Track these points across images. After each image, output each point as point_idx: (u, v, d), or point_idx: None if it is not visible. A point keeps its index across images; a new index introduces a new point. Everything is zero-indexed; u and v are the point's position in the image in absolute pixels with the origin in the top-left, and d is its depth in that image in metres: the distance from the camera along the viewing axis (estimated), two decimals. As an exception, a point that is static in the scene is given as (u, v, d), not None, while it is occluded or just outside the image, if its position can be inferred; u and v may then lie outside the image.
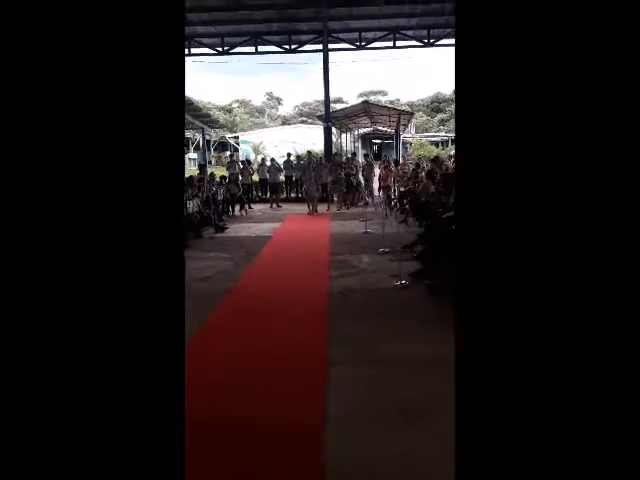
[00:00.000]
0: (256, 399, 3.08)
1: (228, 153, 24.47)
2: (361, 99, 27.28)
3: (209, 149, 32.99)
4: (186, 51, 16.01)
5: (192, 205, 9.39)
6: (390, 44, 15.99)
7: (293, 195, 15.65)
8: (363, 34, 15.85)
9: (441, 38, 15.65)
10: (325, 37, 15.21)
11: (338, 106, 26.73)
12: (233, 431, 2.74)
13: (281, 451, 2.54)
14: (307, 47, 16.18)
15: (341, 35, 15.81)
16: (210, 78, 69.92)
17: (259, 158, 17.91)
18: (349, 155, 15.70)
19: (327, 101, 15.87)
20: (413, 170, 12.41)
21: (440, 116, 46.87)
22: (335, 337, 4.06)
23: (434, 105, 50.02)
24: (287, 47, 16.12)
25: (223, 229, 10.25)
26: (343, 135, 23.64)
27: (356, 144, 27.33)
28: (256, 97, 56.75)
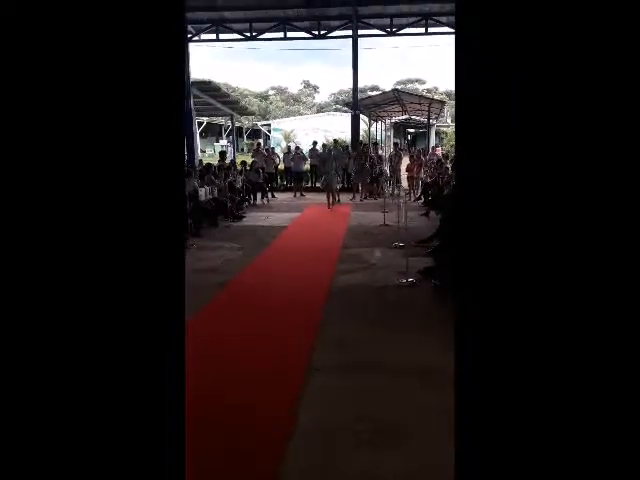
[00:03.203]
0: (222, 401, 2.89)
1: (260, 141, 24.39)
2: (399, 88, 26.68)
3: (241, 136, 33.04)
4: (214, 36, 15.90)
5: (205, 192, 9.23)
6: (422, 30, 15.42)
7: (318, 184, 15.39)
8: (394, 20, 15.32)
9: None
10: (355, 22, 14.78)
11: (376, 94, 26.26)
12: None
13: (238, 460, 2.34)
14: (337, 33, 15.78)
15: (371, 21, 15.32)
16: (249, 65, 70.06)
17: (292, 146, 17.67)
18: (370, 145, 15.26)
19: (355, 88, 15.48)
20: (438, 161, 11.93)
21: (479, 106, 45.40)
22: (323, 340, 3.83)
23: (473, 94, 48.53)
24: (316, 33, 15.77)
25: (240, 218, 10.11)
26: (375, 124, 23.18)
27: (388, 133, 26.77)
28: (293, 85, 56.55)
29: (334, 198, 11.93)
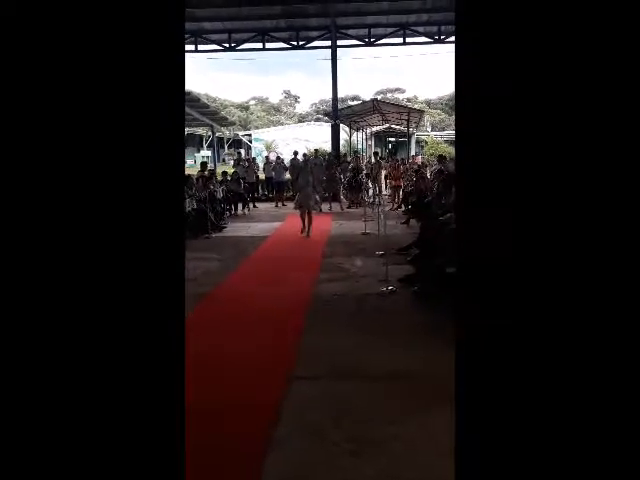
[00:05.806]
0: (202, 407, 2.85)
1: (241, 151, 24.34)
2: (379, 97, 26.91)
3: (222, 147, 32.95)
4: (193, 47, 15.88)
5: (185, 204, 9.16)
6: (400, 40, 15.62)
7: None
8: (372, 30, 15.51)
9: (452, 34, 15.23)
10: (333, 33, 14.92)
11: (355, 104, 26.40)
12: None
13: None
14: (316, 43, 15.90)
15: (350, 31, 15.51)
16: (230, 76, 70.21)
17: (271, 156, 17.64)
18: (350, 156, 15.35)
19: (335, 98, 15.60)
20: (416, 170, 12.03)
21: (458, 114, 45.93)
22: (305, 348, 3.81)
23: (452, 103, 49.23)
24: (295, 43, 15.86)
25: (221, 228, 10.06)
26: (356, 133, 23.29)
27: (369, 142, 26.93)
28: (274, 95, 56.74)
29: (310, 221, 9.10)
